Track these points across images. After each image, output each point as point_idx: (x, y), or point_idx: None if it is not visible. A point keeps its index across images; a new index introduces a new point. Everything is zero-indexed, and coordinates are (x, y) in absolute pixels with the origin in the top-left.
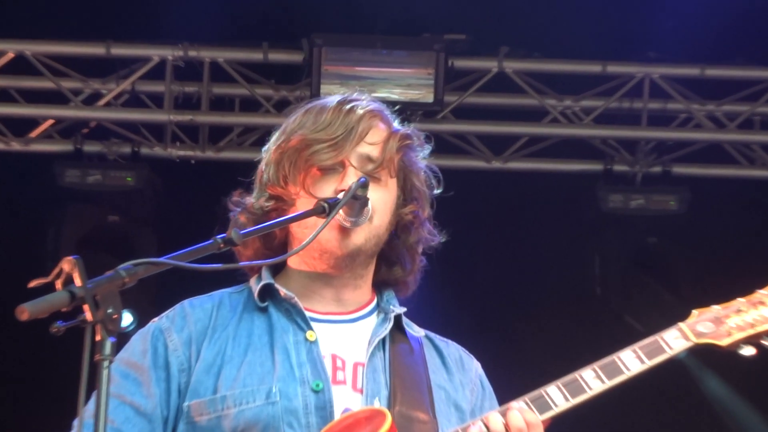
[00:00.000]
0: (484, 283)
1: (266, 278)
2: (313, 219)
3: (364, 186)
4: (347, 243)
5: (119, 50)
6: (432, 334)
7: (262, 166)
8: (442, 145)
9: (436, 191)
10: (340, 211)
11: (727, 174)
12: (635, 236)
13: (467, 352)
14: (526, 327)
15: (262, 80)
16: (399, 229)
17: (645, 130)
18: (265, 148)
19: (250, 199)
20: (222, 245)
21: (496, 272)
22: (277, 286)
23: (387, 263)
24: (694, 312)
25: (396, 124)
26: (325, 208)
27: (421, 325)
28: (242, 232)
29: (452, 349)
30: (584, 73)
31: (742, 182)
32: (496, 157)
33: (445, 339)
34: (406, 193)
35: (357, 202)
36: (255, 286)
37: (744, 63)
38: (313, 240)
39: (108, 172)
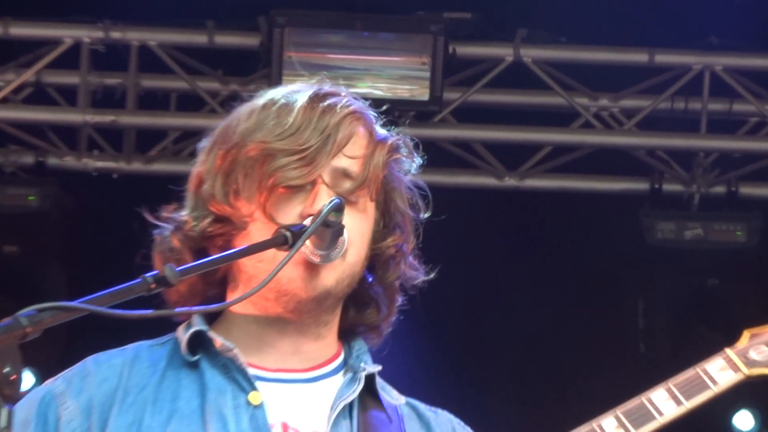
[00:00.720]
0: (493, 335)
1: (197, 324)
2: (271, 251)
3: (338, 209)
4: (314, 284)
5: (20, 30)
6: (416, 402)
7: (200, 171)
8: (440, 156)
9: (423, 215)
10: (307, 242)
11: None
12: (691, 277)
13: (463, 424)
14: (547, 392)
15: (206, 70)
16: (376, 264)
17: (704, 138)
18: (205, 146)
19: (186, 217)
20: (153, 285)
21: (508, 321)
22: (211, 334)
23: (357, 305)
24: (746, 333)
25: (380, 130)
26: (287, 239)
27: (407, 390)
28: (179, 269)
29: (443, 419)
30: (625, 63)
31: None
32: (510, 173)
33: (433, 408)
34: (387, 219)
35: (329, 230)
36: (183, 334)
37: None
38: (271, 279)
39: (4, 189)
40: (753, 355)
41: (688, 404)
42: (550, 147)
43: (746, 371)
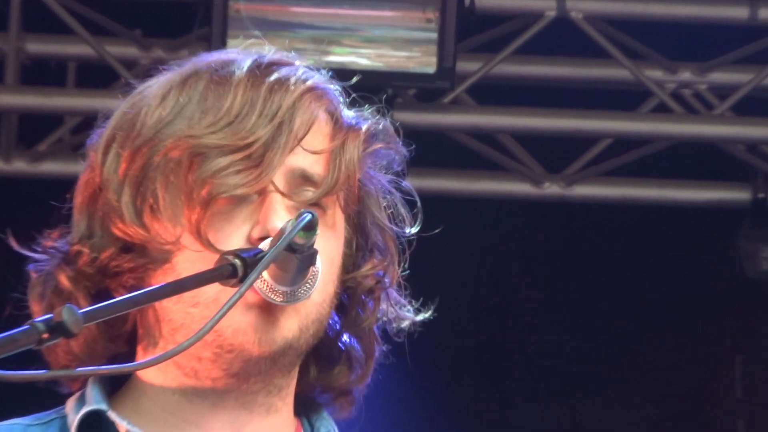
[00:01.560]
0: (523, 399)
1: (94, 400)
2: (211, 290)
3: (310, 228)
4: (272, 335)
5: None
6: None
7: (93, 178)
8: (452, 152)
9: (410, 230)
10: (265, 275)
11: None
12: None
13: None
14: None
15: (118, 30)
16: (348, 301)
17: None
18: (98, 140)
19: (80, 246)
20: (46, 335)
21: (542, 383)
22: (112, 416)
23: (321, 361)
24: None
25: (348, 113)
26: (236, 269)
27: None
28: (83, 311)
29: None
30: (716, 21)
31: None
32: (552, 177)
33: None
34: (363, 238)
35: (296, 257)
36: (74, 413)
37: None
38: (210, 329)
39: None
40: None
41: None
42: (609, 140)
43: None
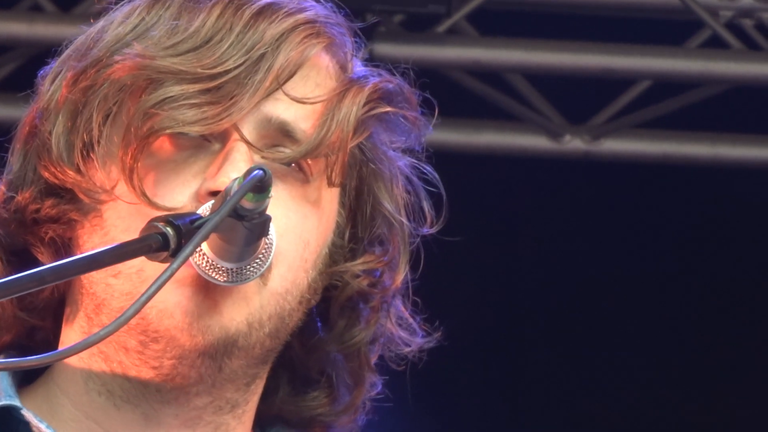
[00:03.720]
0: (557, 400)
1: (3, 395)
2: (139, 261)
3: (260, 189)
4: (207, 321)
5: None
6: None
7: (36, 109)
8: (448, 94)
9: (430, 228)
10: (205, 247)
11: None
12: None
13: None
14: None
15: None
16: (333, 304)
17: None
18: (50, 68)
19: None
20: None
21: (579, 383)
22: (27, 415)
23: (294, 381)
24: None
25: (358, 62)
26: (167, 240)
27: None
28: None
29: None
30: None
31: None
32: (574, 128)
33: None
34: (360, 225)
35: (243, 225)
36: None
37: None
38: (132, 316)
39: None
40: None
41: None
42: (647, 83)
43: None
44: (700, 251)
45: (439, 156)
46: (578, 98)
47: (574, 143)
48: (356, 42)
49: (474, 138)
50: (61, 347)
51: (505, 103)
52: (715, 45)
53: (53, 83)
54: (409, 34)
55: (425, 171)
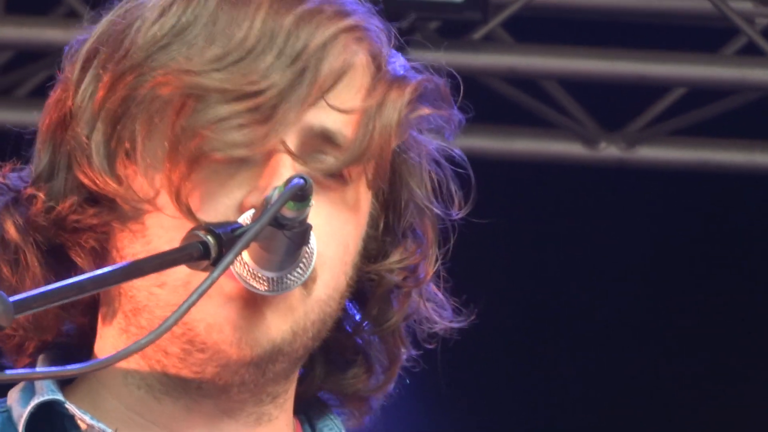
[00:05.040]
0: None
1: (46, 390)
2: (182, 270)
3: (301, 197)
4: (256, 335)
5: None
6: None
7: (67, 99)
8: (485, 101)
9: (458, 214)
10: (245, 257)
11: None
12: None
13: None
14: None
15: None
16: (370, 295)
17: None
18: (76, 50)
19: (35, 189)
20: None
21: (601, 370)
22: (72, 408)
23: (332, 361)
24: None
25: (398, 61)
26: (208, 249)
27: None
28: (15, 299)
29: None
30: None
31: None
32: (609, 135)
33: None
34: (395, 220)
35: (284, 234)
36: (21, 405)
37: None
38: (173, 324)
39: None
40: None
41: None
42: (683, 90)
43: None
44: (731, 257)
45: (474, 161)
46: (613, 105)
47: (609, 150)
48: (396, 42)
49: (510, 144)
50: (98, 345)
51: (541, 109)
52: (751, 52)
53: (86, 74)
54: (445, 41)
55: (454, 153)
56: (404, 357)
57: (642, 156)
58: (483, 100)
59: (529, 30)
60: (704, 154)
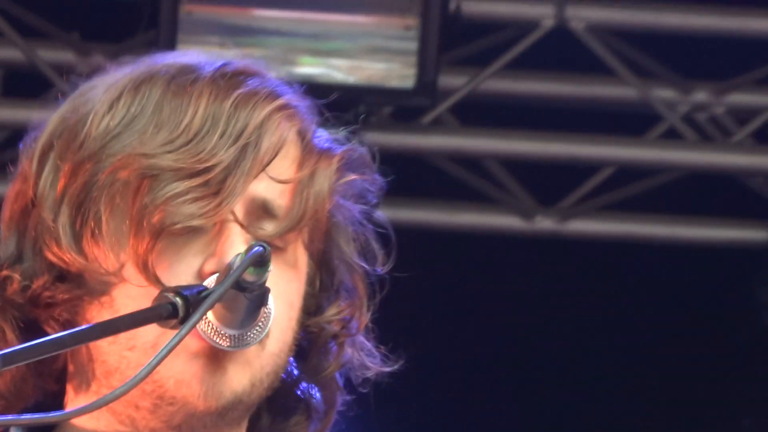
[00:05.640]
0: None
1: None
2: (151, 332)
3: (261, 263)
4: (220, 388)
5: None
6: None
7: (28, 190)
8: (431, 178)
9: (383, 269)
10: (210, 317)
11: None
12: None
13: None
14: None
15: (54, 32)
16: (309, 347)
17: None
18: (33, 146)
19: (8, 271)
20: None
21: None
22: None
23: (276, 410)
24: None
25: (322, 134)
26: (176, 308)
27: None
28: (3, 353)
29: None
30: (737, 35)
31: None
32: (544, 209)
33: None
34: (328, 278)
35: (245, 296)
36: None
37: None
38: (145, 377)
39: None
40: None
41: None
42: (611, 169)
43: None
44: (653, 321)
45: (421, 233)
46: (548, 182)
47: (544, 223)
48: (350, 130)
49: (453, 218)
50: (67, 405)
51: (483, 186)
52: (672, 136)
53: (44, 166)
54: (396, 124)
55: (376, 216)
56: (340, 402)
57: (573, 229)
58: (431, 178)
59: (473, 114)
60: (630, 228)
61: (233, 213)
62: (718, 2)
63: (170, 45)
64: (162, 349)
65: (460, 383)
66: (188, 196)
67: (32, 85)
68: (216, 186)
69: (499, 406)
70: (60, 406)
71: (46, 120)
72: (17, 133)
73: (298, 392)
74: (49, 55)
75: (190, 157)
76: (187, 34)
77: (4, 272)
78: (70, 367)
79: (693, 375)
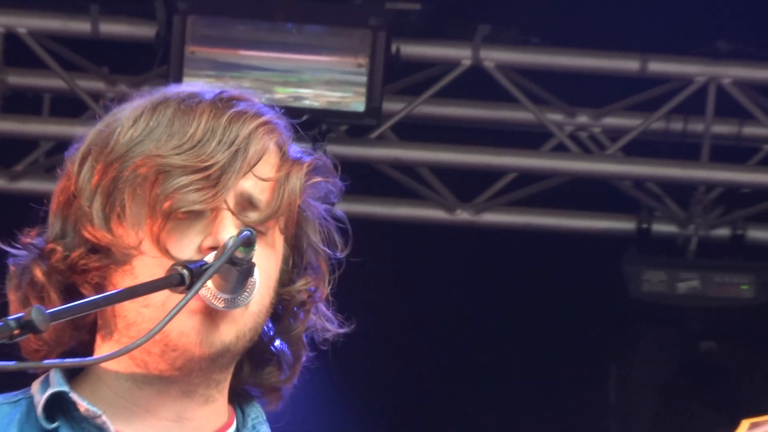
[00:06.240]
0: (429, 401)
1: (57, 383)
2: (161, 295)
3: (248, 244)
4: (212, 339)
5: None
6: None
7: (68, 186)
8: (377, 181)
9: (340, 253)
10: (209, 284)
11: None
12: (682, 341)
13: None
14: None
15: (88, 66)
16: (282, 312)
17: (706, 168)
18: (74, 153)
19: (53, 245)
20: (16, 331)
21: (448, 384)
22: (74, 396)
23: (254, 362)
24: (744, 423)
25: (296, 146)
26: (183, 278)
27: None
28: (50, 311)
29: None
30: (611, 73)
31: None
32: (463, 205)
33: None
34: (298, 257)
35: (236, 269)
36: (39, 394)
37: None
38: (159, 330)
39: None
40: None
41: None
42: (514, 174)
43: None
44: (546, 294)
45: (368, 224)
46: (467, 184)
47: (462, 216)
48: (315, 142)
49: (393, 211)
50: (96, 351)
51: (415, 187)
52: (560, 149)
53: (83, 167)
54: (350, 139)
55: (337, 213)
56: (304, 357)
57: (486, 220)
58: (377, 181)
59: (409, 132)
60: (529, 219)
61: (226, 202)
62: (595, 47)
63: (178, 78)
64: (172, 310)
65: (398, 344)
66: (191, 187)
67: (72, 108)
68: (213, 180)
69: (417, 364)
70: (89, 352)
71: (85, 134)
72: (61, 144)
73: (273, 348)
74: (85, 84)
75: (193, 158)
76: (191, 69)
77: (50, 245)
78: (99, 321)
79: (575, 331)
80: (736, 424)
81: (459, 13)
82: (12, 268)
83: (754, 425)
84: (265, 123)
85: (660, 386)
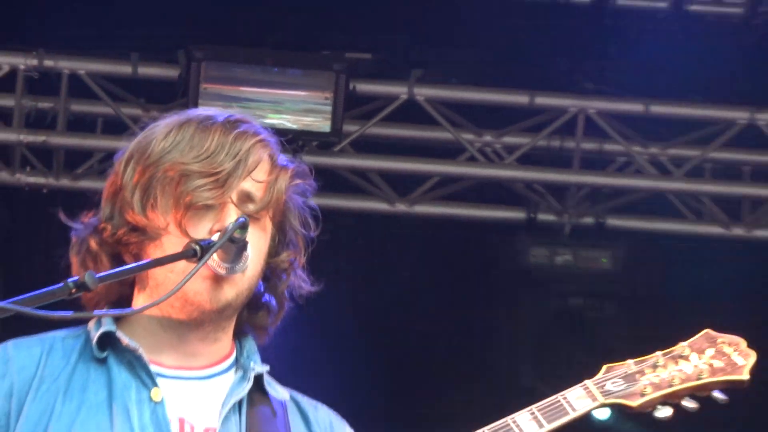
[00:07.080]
0: (375, 342)
1: (107, 324)
2: (182, 263)
3: (243, 227)
4: (218, 296)
5: None
6: (299, 396)
7: (116, 181)
8: (338, 182)
9: (314, 233)
10: (215, 256)
11: (670, 229)
12: (557, 297)
13: (340, 416)
14: (414, 405)
15: (129, 98)
16: (270, 275)
17: (576, 173)
18: (121, 157)
19: (104, 224)
20: (74, 290)
21: (392, 331)
22: (119, 334)
23: (250, 308)
24: (604, 367)
25: (283, 157)
26: (196, 251)
27: (291, 381)
28: (98, 275)
29: (321, 413)
30: (508, 104)
31: (688, 239)
32: (400, 199)
33: (314, 402)
34: (282, 236)
35: (234, 245)
36: (94, 331)
37: (695, 101)
38: (179, 288)
39: None
40: (609, 386)
41: (549, 426)
42: (438, 177)
43: (602, 400)
44: (461, 269)
45: (333, 213)
46: (404, 183)
47: (400, 207)
48: (291, 152)
49: (349, 204)
50: (135, 304)
51: (366, 186)
52: (472, 160)
53: (127, 168)
54: (320, 151)
55: (311, 205)
56: (286, 306)
57: (417, 210)
58: (337, 182)
59: (362, 146)
60: (448, 210)
61: (231, 198)
62: (497, 86)
63: (195, 107)
64: (188, 274)
65: (353, 296)
66: (206, 187)
67: (118, 128)
68: (222, 182)
69: (350, 336)
70: (130, 303)
71: (128, 145)
72: (110, 154)
73: (263, 299)
74: (127, 111)
75: (207, 165)
76: (204, 101)
77: (102, 224)
78: (137, 281)
79: (481, 295)
80: (599, 368)
81: (398, 61)
82: (74, 239)
83: (610, 369)
84: (261, 140)
85: (540, 331)
